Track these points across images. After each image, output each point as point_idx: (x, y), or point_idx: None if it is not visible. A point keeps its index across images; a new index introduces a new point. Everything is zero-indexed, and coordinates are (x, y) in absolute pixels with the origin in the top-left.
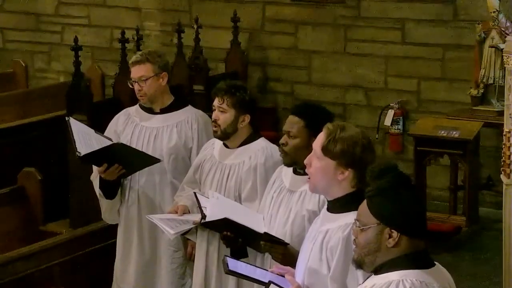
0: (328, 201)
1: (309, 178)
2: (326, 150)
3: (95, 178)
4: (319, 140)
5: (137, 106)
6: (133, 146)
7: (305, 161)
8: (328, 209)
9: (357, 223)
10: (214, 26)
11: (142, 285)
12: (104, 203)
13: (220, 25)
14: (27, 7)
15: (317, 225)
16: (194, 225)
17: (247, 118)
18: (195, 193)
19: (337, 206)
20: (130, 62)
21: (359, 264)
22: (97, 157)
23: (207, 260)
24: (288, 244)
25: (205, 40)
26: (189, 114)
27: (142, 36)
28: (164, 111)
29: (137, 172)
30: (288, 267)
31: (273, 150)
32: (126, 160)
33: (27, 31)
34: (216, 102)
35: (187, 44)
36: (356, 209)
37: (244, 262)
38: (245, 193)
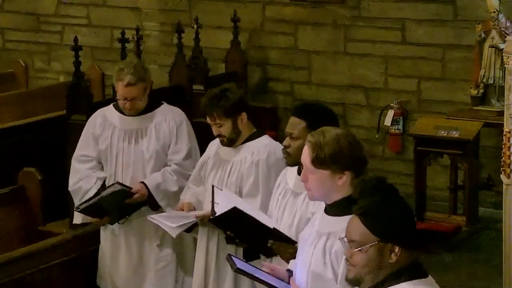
0: (327, 204)
1: (308, 190)
2: (316, 162)
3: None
4: (306, 155)
5: (111, 107)
6: (114, 148)
7: (301, 178)
8: (327, 212)
9: (351, 244)
10: (214, 26)
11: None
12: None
13: (220, 25)
14: (27, 7)
15: (315, 228)
16: (196, 219)
17: (244, 115)
18: (213, 186)
19: (337, 208)
20: (122, 82)
21: (356, 283)
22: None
23: (207, 256)
24: (296, 242)
25: (205, 40)
26: (165, 113)
27: (142, 36)
28: (140, 112)
29: (120, 176)
30: (274, 265)
31: (276, 147)
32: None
33: (27, 31)
34: (209, 121)
35: (187, 44)
36: None
37: (246, 263)
38: (246, 189)
